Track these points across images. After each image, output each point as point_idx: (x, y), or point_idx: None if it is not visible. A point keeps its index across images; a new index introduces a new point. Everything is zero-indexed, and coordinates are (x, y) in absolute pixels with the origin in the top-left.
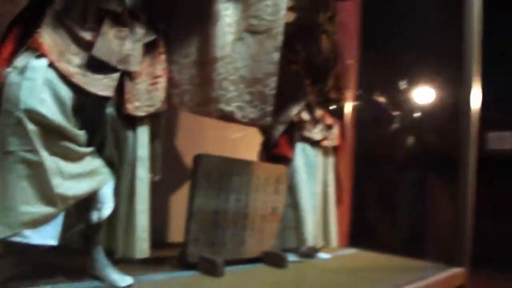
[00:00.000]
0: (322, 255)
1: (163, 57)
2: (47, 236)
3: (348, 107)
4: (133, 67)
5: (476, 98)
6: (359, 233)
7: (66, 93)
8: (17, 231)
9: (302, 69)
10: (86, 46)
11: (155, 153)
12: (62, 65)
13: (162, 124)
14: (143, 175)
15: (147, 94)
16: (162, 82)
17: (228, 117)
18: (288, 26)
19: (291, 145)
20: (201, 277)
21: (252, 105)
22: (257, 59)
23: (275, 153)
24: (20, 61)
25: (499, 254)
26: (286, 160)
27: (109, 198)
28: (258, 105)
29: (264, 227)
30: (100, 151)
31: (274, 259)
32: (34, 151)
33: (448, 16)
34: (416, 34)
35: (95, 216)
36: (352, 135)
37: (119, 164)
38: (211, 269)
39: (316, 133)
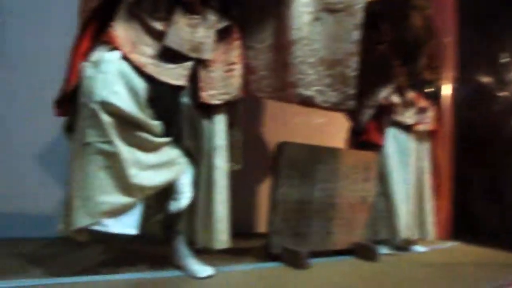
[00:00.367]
0: (418, 248)
1: (238, 43)
2: (126, 225)
3: (446, 89)
4: (206, 55)
5: None
6: (462, 225)
7: (140, 84)
8: (97, 220)
9: (390, 49)
10: (158, 36)
11: (234, 141)
12: (135, 57)
13: (240, 112)
14: (220, 164)
15: (222, 82)
16: (237, 69)
17: (307, 102)
18: (372, 3)
19: (381, 130)
20: (284, 268)
21: (333, 88)
22: (336, 39)
23: (363, 139)
24: (95, 55)
25: None
26: (375, 147)
27: (187, 188)
28: (340, 88)
29: (353, 218)
30: (177, 141)
31: (364, 252)
32: (110, 142)
33: None
34: None
35: (173, 206)
36: (451, 118)
37: (197, 154)
38: (294, 260)
39: (408, 117)
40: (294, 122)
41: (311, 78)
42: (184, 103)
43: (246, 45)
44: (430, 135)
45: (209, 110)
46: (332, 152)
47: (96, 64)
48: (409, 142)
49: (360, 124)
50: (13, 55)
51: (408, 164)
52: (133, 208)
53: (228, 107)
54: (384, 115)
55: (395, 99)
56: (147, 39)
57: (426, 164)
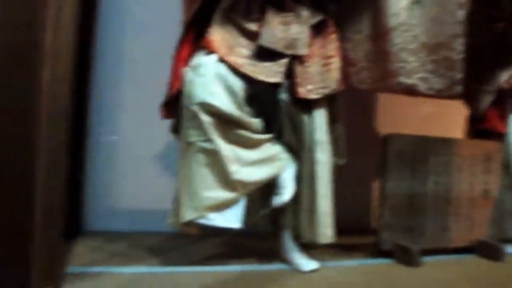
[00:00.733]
0: None
1: (334, 36)
2: (231, 219)
3: None
4: (301, 50)
5: None
6: None
7: (237, 84)
8: (202, 214)
9: (511, 27)
10: (253, 36)
11: (337, 135)
12: (232, 58)
13: (341, 105)
14: (322, 159)
15: (319, 76)
16: (335, 62)
17: (410, 91)
18: None
19: (503, 117)
20: (393, 265)
21: (438, 74)
22: (439, 22)
23: (483, 127)
24: (194, 60)
25: None
26: (498, 135)
27: (289, 183)
28: (444, 73)
29: (473, 213)
30: (278, 138)
31: (487, 250)
32: (210, 140)
33: None
34: None
35: (276, 201)
36: None
37: (298, 149)
38: (406, 257)
39: None
40: (405, 112)
41: (412, 65)
42: (282, 99)
43: (343, 37)
44: None
45: (309, 105)
46: (444, 143)
47: (195, 68)
48: None
49: (479, 111)
50: (123, 62)
51: None
52: (237, 203)
53: (328, 101)
54: (506, 100)
55: None
56: (243, 41)
57: None
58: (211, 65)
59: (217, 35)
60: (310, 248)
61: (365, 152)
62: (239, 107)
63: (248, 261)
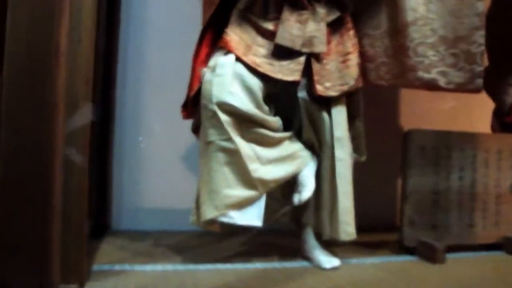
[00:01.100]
0: None
1: (351, 32)
2: (251, 217)
3: None
4: (318, 48)
5: None
6: None
7: (255, 83)
8: (223, 212)
9: None
10: (270, 36)
11: (357, 132)
12: (249, 58)
13: (360, 102)
14: (342, 156)
15: (338, 73)
16: (353, 59)
17: (430, 85)
18: None
19: None
20: (417, 263)
21: (457, 67)
22: (458, 14)
23: (509, 121)
24: (212, 60)
25: None
26: None
27: (309, 181)
28: (464, 66)
29: (500, 209)
30: (298, 135)
31: None
32: (229, 139)
33: None
34: None
35: (296, 199)
36: None
37: (318, 147)
38: (430, 254)
39: None
40: (427, 107)
41: (431, 60)
42: (301, 97)
43: (360, 33)
44: None
45: (328, 103)
46: (469, 137)
47: (213, 68)
48: None
49: (505, 104)
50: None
51: None
52: (258, 201)
53: (347, 98)
54: None
55: None
56: (260, 40)
57: None
58: (229, 65)
59: (235, 35)
60: (331, 245)
61: (388, 148)
62: (258, 106)
63: (269, 258)
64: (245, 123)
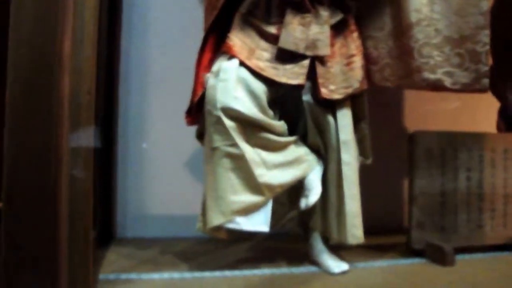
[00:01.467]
0: None
1: (355, 35)
2: (258, 223)
3: None
4: (322, 51)
5: None
6: None
7: (260, 88)
8: (229, 219)
9: None
10: (273, 39)
11: (362, 135)
12: (253, 62)
13: (365, 104)
14: (348, 159)
15: (342, 76)
16: (357, 61)
17: (436, 86)
18: None
19: None
20: (426, 265)
21: (463, 68)
22: (462, 14)
23: None
24: (215, 65)
25: None
26: None
27: (315, 185)
28: (470, 66)
29: (508, 209)
30: (303, 139)
31: None
32: (235, 145)
33: None
34: None
35: (303, 203)
36: None
37: (324, 150)
38: (439, 256)
39: None
40: (432, 109)
41: (436, 60)
42: (306, 100)
43: (364, 35)
44: None
45: (333, 106)
46: (475, 138)
47: (217, 73)
48: None
49: (510, 103)
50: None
51: None
52: (264, 206)
53: (352, 100)
54: None
55: None
56: (263, 44)
57: None
58: (232, 69)
59: (237, 39)
60: (339, 249)
61: (394, 151)
62: (263, 110)
63: (277, 264)
64: (250, 128)
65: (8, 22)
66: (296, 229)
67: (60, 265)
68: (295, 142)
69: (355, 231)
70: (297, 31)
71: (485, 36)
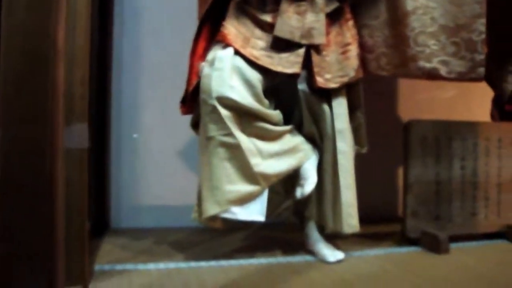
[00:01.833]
0: None
1: (350, 23)
2: (254, 212)
3: None
4: (318, 39)
5: None
6: None
7: (255, 76)
8: (225, 208)
9: None
10: (269, 28)
11: (358, 124)
12: (248, 51)
13: (361, 93)
14: (344, 148)
15: (338, 65)
16: (353, 50)
17: (431, 75)
18: None
19: None
20: (421, 253)
21: (459, 56)
22: (458, 2)
23: (508, 109)
24: (210, 54)
25: None
26: None
27: (311, 174)
28: (466, 55)
29: (502, 198)
30: (299, 128)
31: None
32: (230, 134)
33: None
34: None
35: (298, 193)
36: None
37: (319, 139)
38: (433, 245)
39: None
40: (426, 97)
41: (432, 49)
42: (301, 89)
43: (359, 23)
44: None
45: (328, 94)
46: (469, 126)
47: (212, 62)
48: None
49: (505, 92)
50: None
51: None
52: (260, 196)
53: (348, 89)
54: None
55: None
56: (258, 33)
57: None
58: (227, 58)
59: (232, 28)
60: (334, 238)
61: (389, 140)
62: (258, 99)
63: (273, 253)
64: (246, 117)
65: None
66: (291, 219)
67: (56, 257)
68: (290, 132)
69: (350, 220)
70: (293, 19)
71: (481, 24)
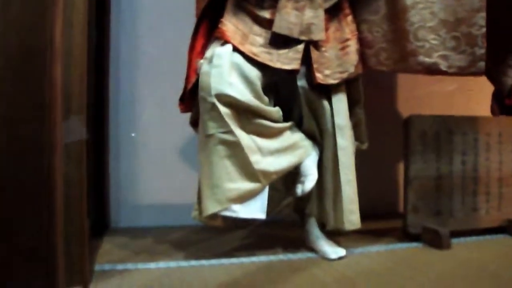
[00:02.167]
0: None
1: (349, 18)
2: (255, 210)
3: None
4: (317, 35)
5: None
6: None
7: (254, 73)
8: (226, 206)
9: None
10: (267, 24)
11: (358, 120)
12: (246, 48)
13: (360, 89)
14: (344, 144)
15: (337, 61)
16: (352, 45)
17: (431, 70)
18: None
19: None
20: (423, 249)
21: (459, 51)
22: None
23: (509, 104)
24: (209, 51)
25: None
26: None
27: (311, 171)
28: (466, 49)
29: (503, 192)
30: (299, 125)
31: None
32: (230, 132)
33: None
34: None
35: (299, 189)
36: None
37: (319, 136)
38: (435, 240)
39: None
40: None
41: (432, 44)
42: (301, 86)
43: (358, 19)
44: None
45: (328, 91)
46: (469, 121)
47: (210, 59)
48: None
49: (505, 86)
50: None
51: None
52: (261, 193)
53: (347, 85)
54: None
55: None
56: (257, 29)
57: None
58: (226, 55)
59: (231, 24)
60: (336, 235)
61: (389, 135)
62: (257, 96)
63: (274, 251)
64: (245, 114)
65: None
66: (292, 216)
67: (56, 257)
68: (290, 128)
69: (351, 217)
70: (291, 15)
71: (481, 18)
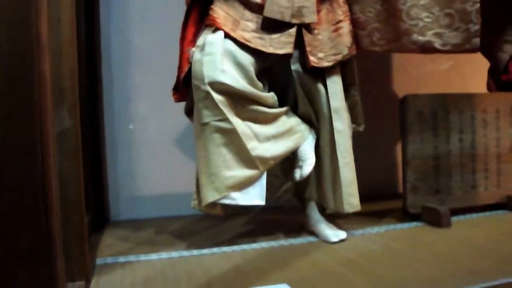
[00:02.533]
0: None
1: (341, 0)
2: (254, 197)
3: None
4: (309, 18)
5: None
6: None
7: (247, 59)
8: (224, 194)
9: None
10: (258, 9)
11: (354, 101)
12: (238, 34)
13: (355, 71)
14: (341, 127)
15: (330, 43)
16: (345, 27)
17: (426, 48)
18: None
19: None
20: (423, 228)
21: (453, 28)
22: None
23: (505, 79)
24: (200, 39)
25: None
26: None
27: (309, 155)
28: (460, 26)
29: (501, 168)
30: (294, 109)
31: None
32: (225, 119)
33: None
34: None
35: (297, 174)
36: None
37: (316, 119)
38: (435, 219)
39: None
40: (421, 71)
41: (425, 22)
42: (295, 70)
43: (350, 0)
44: None
45: (322, 74)
46: (466, 99)
47: (202, 47)
48: None
49: (500, 62)
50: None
51: None
52: (259, 180)
53: (342, 67)
54: None
55: None
56: (248, 14)
57: None
58: (218, 42)
59: (221, 11)
60: (336, 218)
61: (386, 116)
62: (251, 82)
63: (275, 236)
64: (240, 101)
65: None
66: (292, 201)
67: (55, 255)
68: (286, 113)
69: (351, 200)
70: None
71: None
